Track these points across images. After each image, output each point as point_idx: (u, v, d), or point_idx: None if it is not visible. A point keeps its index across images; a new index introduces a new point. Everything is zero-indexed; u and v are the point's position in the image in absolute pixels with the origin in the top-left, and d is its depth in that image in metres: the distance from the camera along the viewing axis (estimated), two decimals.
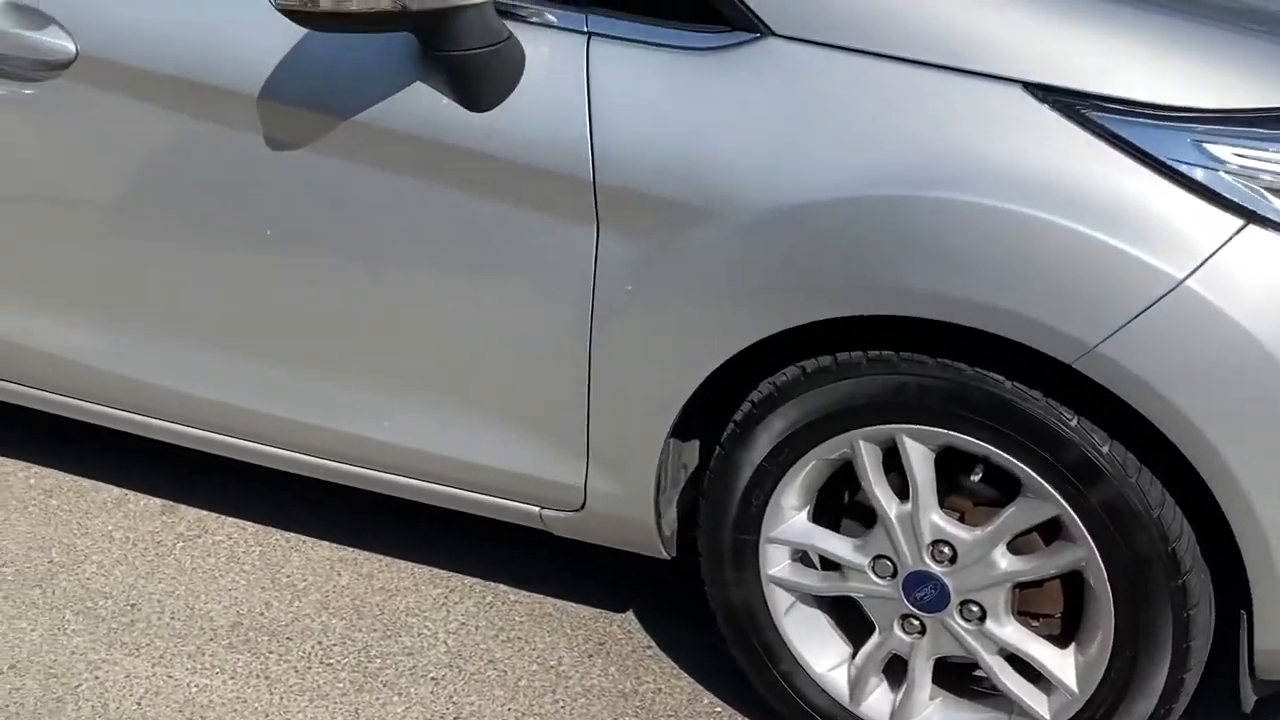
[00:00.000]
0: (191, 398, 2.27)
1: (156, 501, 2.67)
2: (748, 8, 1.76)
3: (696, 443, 2.06)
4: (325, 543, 2.55)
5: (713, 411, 1.96)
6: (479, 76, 1.83)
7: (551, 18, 1.85)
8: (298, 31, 1.91)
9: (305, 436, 2.22)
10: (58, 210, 2.23)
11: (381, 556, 2.51)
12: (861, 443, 1.82)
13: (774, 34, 1.75)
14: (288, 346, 2.16)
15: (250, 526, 2.60)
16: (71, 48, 2.07)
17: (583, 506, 2.05)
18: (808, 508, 1.93)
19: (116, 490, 2.71)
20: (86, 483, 2.73)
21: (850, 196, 1.70)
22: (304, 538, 2.57)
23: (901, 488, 1.85)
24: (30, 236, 2.27)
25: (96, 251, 2.24)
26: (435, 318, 2.02)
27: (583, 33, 1.83)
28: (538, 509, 2.11)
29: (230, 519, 2.62)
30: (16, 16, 2.10)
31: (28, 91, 2.14)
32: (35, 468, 2.78)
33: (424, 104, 1.88)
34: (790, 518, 1.92)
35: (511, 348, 1.98)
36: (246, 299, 2.15)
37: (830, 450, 1.85)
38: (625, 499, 2.01)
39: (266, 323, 2.15)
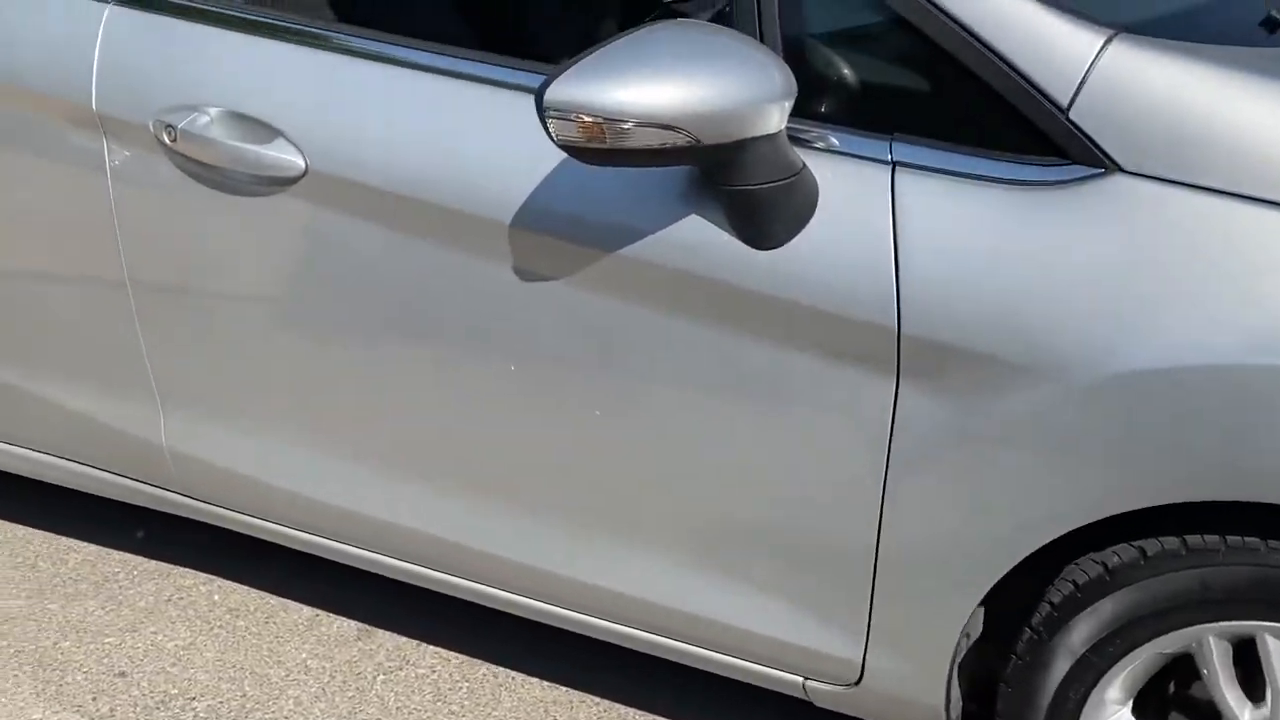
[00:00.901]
0: (404, 529, 2.09)
1: (351, 625, 2.50)
2: (1089, 138, 1.52)
3: (981, 610, 1.83)
4: (536, 680, 2.35)
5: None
6: (768, 212, 1.62)
7: (850, 146, 1.63)
8: (552, 157, 1.72)
9: (530, 580, 2.03)
10: (270, 333, 2.06)
11: (599, 700, 2.30)
12: (1211, 639, 1.58)
13: (1122, 170, 1.52)
14: (523, 486, 1.96)
15: (454, 658, 2.41)
16: (300, 163, 1.90)
17: (858, 682, 1.82)
18: (1131, 701, 1.70)
19: (307, 610, 2.54)
20: (274, 600, 2.57)
21: (1223, 364, 1.45)
22: (512, 673, 2.37)
23: (1248, 681, 1.61)
24: (237, 359, 2.12)
25: (307, 378, 2.07)
26: (697, 467, 1.81)
27: (886, 163, 1.62)
28: (800, 679, 1.88)
29: (431, 648, 2.43)
30: (238, 128, 1.94)
31: (245, 207, 1.98)
32: (219, 581, 2.63)
33: (699, 239, 1.67)
34: (1113, 713, 1.68)
35: (785, 505, 1.77)
36: (480, 434, 1.96)
37: (1171, 644, 1.60)
38: (911, 678, 1.77)
39: (501, 460, 1.96)
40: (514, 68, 1.83)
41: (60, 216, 2.15)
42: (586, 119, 1.53)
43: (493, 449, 1.96)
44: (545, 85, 1.54)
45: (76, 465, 2.38)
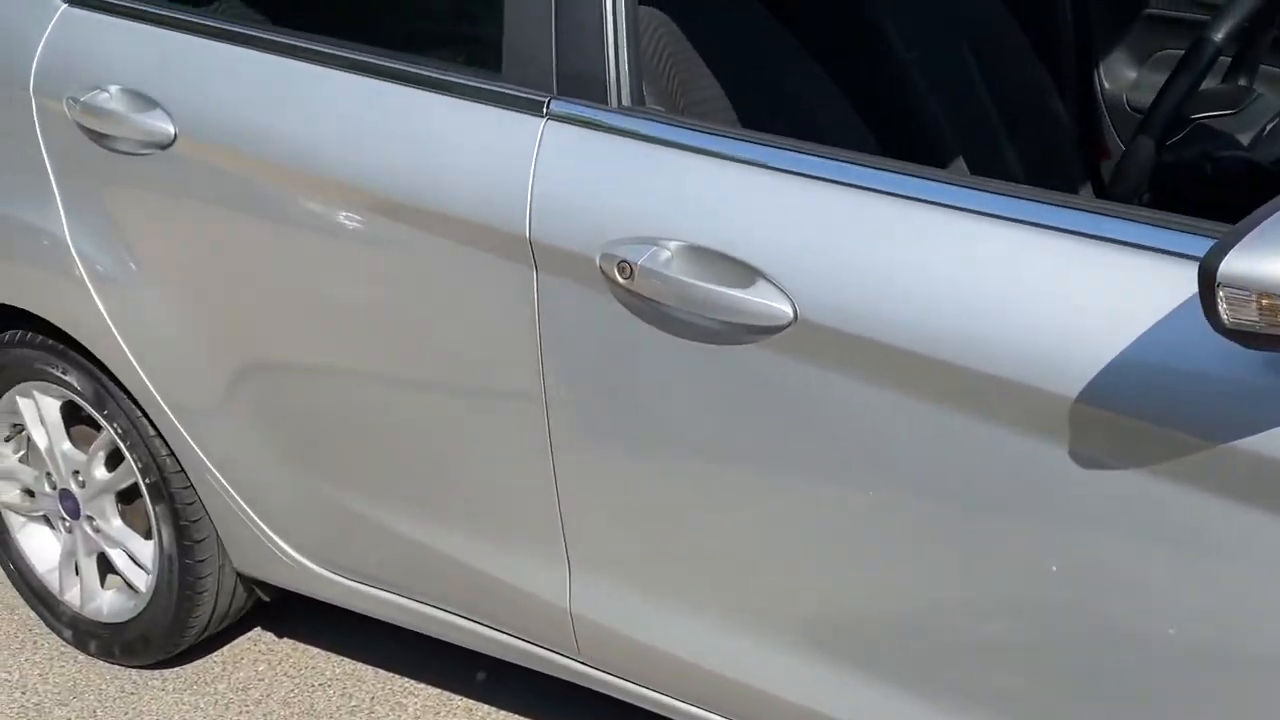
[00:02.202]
0: None
1: None
2: None
3: None
4: None
5: None
6: None
7: None
8: (1133, 322, 1.41)
9: None
10: (726, 499, 1.76)
11: None
12: None
13: None
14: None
15: None
16: (788, 311, 1.61)
17: None
18: None
19: None
20: None
21: None
22: None
23: None
24: (672, 524, 1.83)
25: (761, 551, 1.76)
26: None
27: None
28: None
29: None
30: (707, 266, 1.65)
31: (712, 357, 1.68)
32: None
33: None
34: None
35: None
36: (990, 639, 1.64)
37: None
38: None
39: (1017, 677, 1.65)
40: (1058, 205, 1.51)
41: (475, 352, 1.90)
42: (1269, 301, 1.22)
43: (1009, 662, 1.64)
44: (1217, 255, 1.23)
45: (459, 619, 2.13)
